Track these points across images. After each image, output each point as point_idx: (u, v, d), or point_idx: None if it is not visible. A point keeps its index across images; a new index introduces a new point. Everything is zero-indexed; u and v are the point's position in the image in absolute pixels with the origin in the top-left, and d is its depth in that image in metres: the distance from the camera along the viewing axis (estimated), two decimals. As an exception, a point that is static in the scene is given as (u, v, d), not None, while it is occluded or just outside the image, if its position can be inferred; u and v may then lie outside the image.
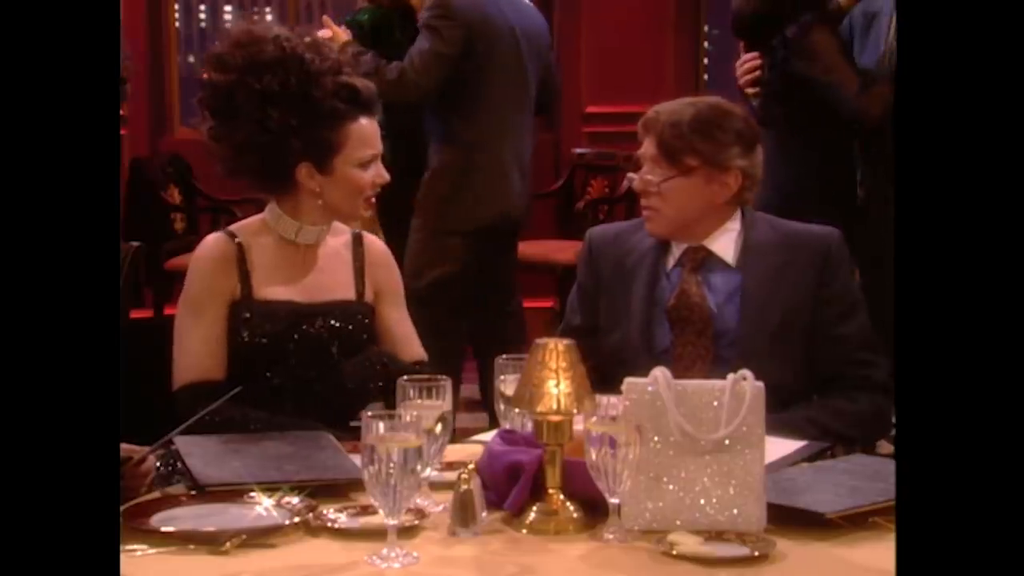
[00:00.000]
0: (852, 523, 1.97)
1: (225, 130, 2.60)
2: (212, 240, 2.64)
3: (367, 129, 2.62)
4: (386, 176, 2.65)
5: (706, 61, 7.59)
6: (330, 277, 2.67)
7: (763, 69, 3.87)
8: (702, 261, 2.69)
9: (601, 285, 2.76)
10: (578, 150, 6.90)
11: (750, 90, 3.93)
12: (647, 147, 2.69)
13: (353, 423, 2.55)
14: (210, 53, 2.66)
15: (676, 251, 2.72)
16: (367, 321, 2.67)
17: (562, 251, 6.10)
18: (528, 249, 5.67)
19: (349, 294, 2.67)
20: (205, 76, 2.64)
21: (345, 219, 2.69)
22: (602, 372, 2.48)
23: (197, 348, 2.56)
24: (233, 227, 2.67)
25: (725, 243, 2.69)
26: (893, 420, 2.67)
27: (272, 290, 2.61)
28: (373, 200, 2.66)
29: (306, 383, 2.59)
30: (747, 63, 3.93)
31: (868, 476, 2.12)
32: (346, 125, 2.59)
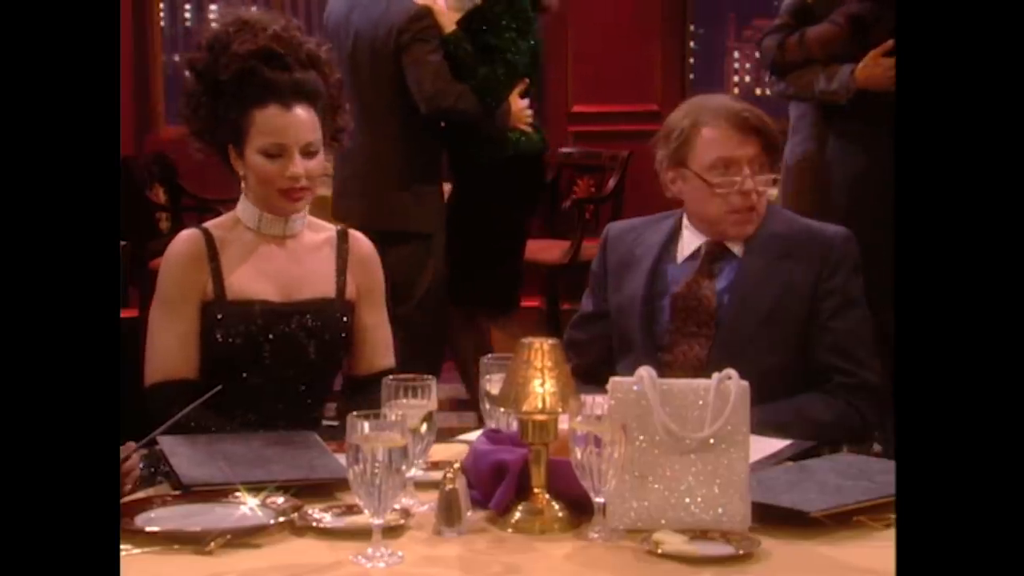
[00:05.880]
0: (836, 522, 1.98)
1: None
2: (183, 237, 2.62)
3: (273, 118, 2.56)
4: (298, 171, 2.55)
5: (692, 61, 7.60)
6: (309, 273, 2.64)
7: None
8: (719, 255, 2.74)
9: (608, 273, 2.84)
10: (564, 149, 6.89)
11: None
12: (751, 149, 2.70)
13: (327, 422, 2.55)
14: None
15: (691, 243, 2.76)
16: (345, 319, 2.64)
17: (548, 250, 6.10)
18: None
19: (329, 291, 2.65)
20: None
21: (269, 210, 2.61)
22: (609, 354, 2.74)
23: (169, 346, 2.55)
24: (208, 223, 2.66)
25: (739, 239, 2.75)
26: (870, 422, 2.70)
27: (246, 288, 2.59)
28: (297, 196, 2.57)
29: (283, 382, 2.58)
30: None
31: (852, 475, 2.13)
32: (250, 111, 2.57)
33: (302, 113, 2.58)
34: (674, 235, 2.80)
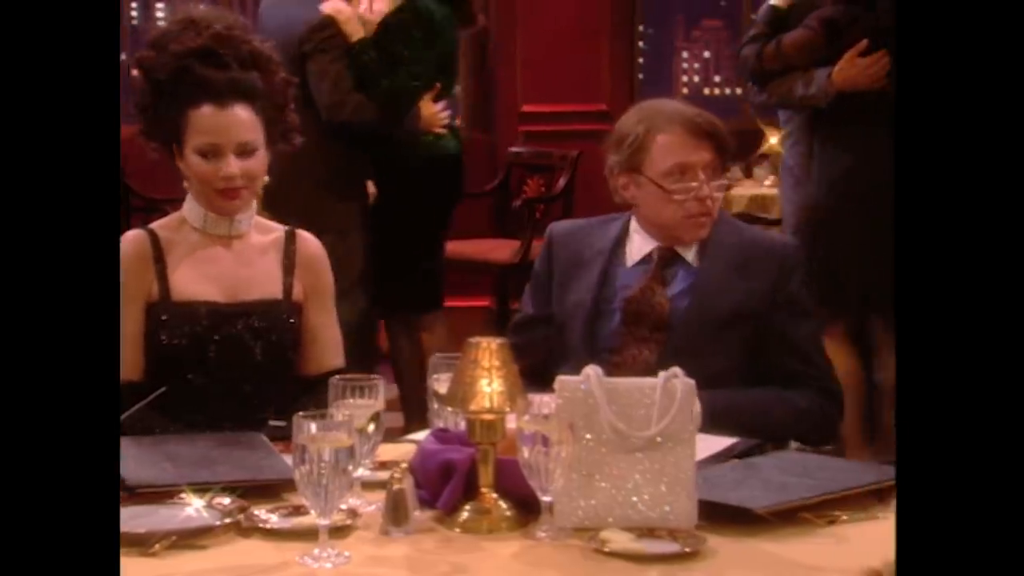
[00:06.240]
0: (781, 519, 1.99)
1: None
2: (129, 238, 2.61)
3: (206, 117, 2.56)
4: (233, 171, 2.54)
5: (641, 61, 7.64)
6: (255, 275, 2.63)
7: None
8: (671, 260, 2.74)
9: (555, 276, 2.81)
10: (514, 149, 6.90)
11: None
12: (706, 154, 2.70)
13: (273, 422, 2.54)
14: None
15: (641, 247, 2.76)
16: (292, 321, 2.63)
17: (498, 250, 6.10)
18: (464, 248, 5.66)
19: (276, 292, 2.64)
20: None
21: (211, 209, 2.60)
22: (549, 356, 2.69)
23: None
24: (154, 224, 2.65)
25: (692, 244, 2.75)
26: (835, 423, 2.74)
27: (191, 289, 2.57)
28: (233, 196, 2.56)
29: (229, 383, 2.57)
30: (882, 59, 3.97)
31: (797, 472, 2.14)
32: (185, 110, 2.57)
33: (240, 112, 2.57)
34: (622, 238, 2.79)
